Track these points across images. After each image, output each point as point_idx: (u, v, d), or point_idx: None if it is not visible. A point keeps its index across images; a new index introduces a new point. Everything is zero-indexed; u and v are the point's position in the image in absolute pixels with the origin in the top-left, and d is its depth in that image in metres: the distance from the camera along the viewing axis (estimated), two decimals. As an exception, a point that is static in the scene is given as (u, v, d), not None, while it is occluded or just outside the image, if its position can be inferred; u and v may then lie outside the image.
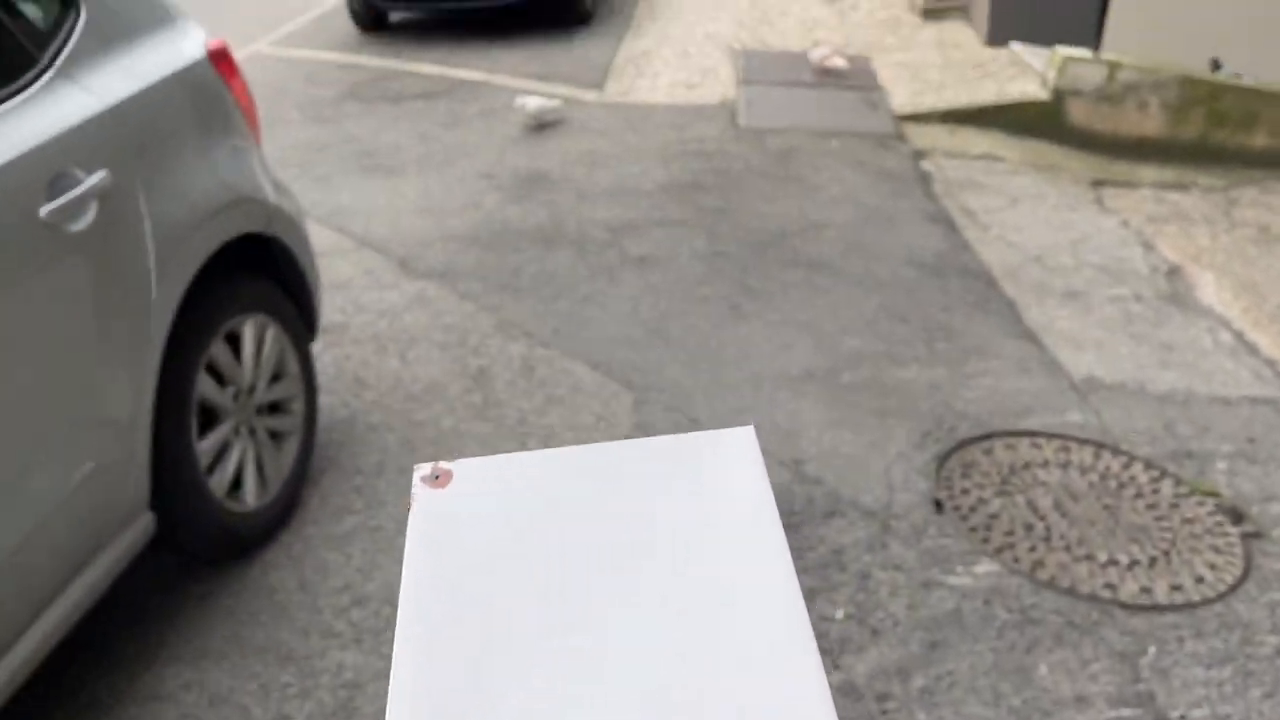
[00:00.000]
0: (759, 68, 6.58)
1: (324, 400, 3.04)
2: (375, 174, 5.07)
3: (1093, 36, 6.01)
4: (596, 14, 8.29)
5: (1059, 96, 5.73)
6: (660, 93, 6.27)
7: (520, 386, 3.19)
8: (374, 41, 7.85)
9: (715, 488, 0.61)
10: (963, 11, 7.35)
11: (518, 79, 6.61)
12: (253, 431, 2.48)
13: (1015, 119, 5.80)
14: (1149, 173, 5.64)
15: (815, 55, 6.58)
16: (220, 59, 2.44)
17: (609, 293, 3.81)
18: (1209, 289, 4.01)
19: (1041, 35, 6.58)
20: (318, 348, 3.26)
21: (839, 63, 6.42)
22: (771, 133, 5.55)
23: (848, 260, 4.10)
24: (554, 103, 5.68)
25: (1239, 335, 3.66)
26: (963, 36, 7.02)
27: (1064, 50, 5.72)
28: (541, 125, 5.60)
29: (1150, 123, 5.71)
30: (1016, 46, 6.54)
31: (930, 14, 7.38)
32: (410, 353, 3.41)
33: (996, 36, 6.67)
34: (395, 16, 8.31)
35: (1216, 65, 5.90)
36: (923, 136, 5.61)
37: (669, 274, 3.97)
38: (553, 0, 7.73)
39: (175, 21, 2.40)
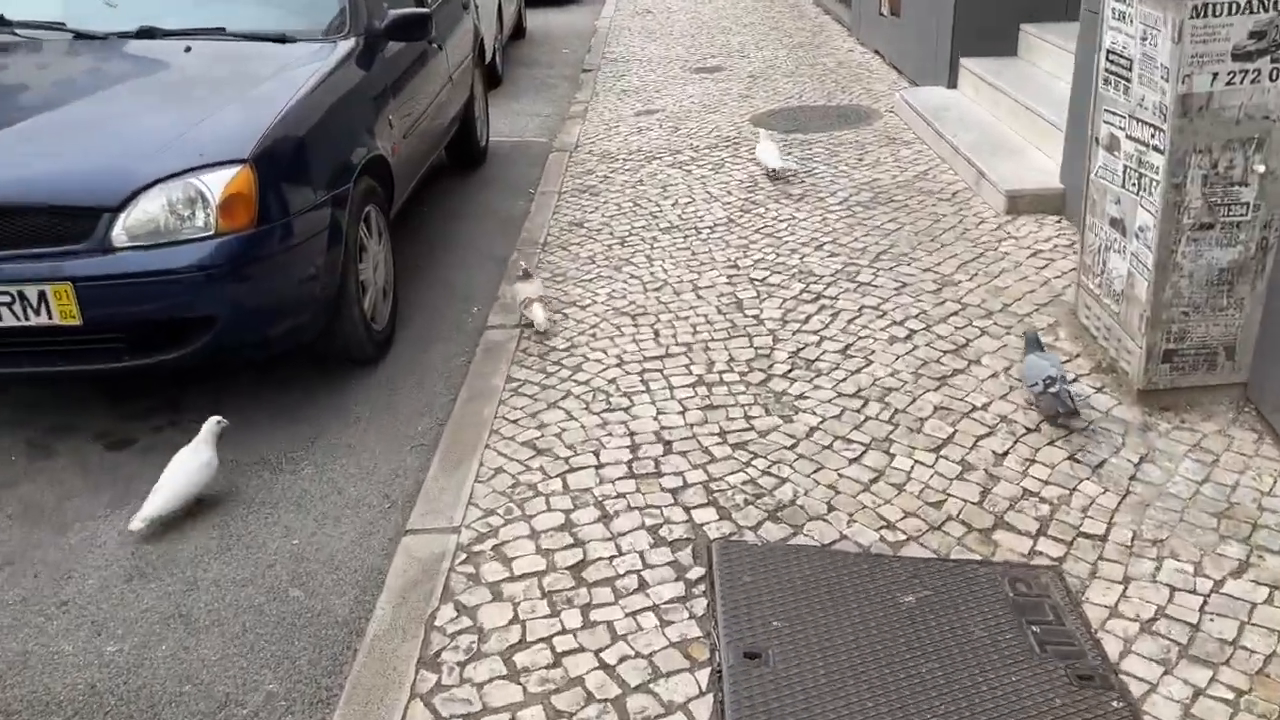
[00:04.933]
0: (769, 673, 2.19)
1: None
2: None
3: None
4: (393, 340, 3.90)
5: None
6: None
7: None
8: None
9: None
10: (1238, 394, 3.14)
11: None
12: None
13: None
14: None
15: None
16: None
17: None
18: None
19: None
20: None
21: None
22: None
23: None
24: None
25: None
26: (1271, 481, 2.78)
27: None
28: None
29: None
30: None
31: (1157, 400, 3.15)
32: None
33: None
34: None
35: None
36: None
37: None
38: (280, 335, 3.27)
39: None
